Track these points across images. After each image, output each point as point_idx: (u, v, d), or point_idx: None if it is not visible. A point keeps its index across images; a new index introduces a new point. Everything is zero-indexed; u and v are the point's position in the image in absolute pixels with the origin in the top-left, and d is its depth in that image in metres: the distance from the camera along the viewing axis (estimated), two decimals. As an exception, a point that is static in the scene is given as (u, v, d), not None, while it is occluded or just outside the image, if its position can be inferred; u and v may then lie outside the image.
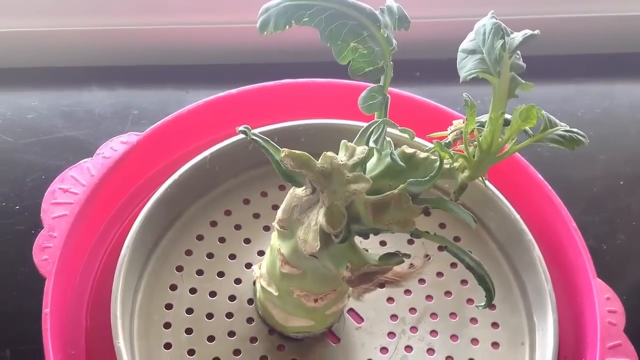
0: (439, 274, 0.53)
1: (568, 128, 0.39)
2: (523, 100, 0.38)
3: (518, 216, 0.52)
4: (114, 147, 0.54)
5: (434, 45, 0.68)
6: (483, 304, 0.39)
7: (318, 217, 0.38)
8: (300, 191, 0.40)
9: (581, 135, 0.38)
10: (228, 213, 0.55)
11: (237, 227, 0.54)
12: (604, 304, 0.49)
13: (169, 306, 0.50)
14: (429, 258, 0.54)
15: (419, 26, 0.72)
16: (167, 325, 0.49)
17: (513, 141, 0.38)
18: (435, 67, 0.67)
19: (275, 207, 0.52)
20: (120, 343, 0.44)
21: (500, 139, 0.37)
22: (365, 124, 0.41)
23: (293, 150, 0.38)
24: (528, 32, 0.39)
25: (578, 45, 0.76)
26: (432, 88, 0.71)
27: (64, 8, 0.70)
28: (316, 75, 0.60)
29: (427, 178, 0.37)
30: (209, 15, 0.72)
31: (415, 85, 0.71)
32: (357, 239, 0.53)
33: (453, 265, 0.53)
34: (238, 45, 0.73)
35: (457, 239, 0.55)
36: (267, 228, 0.54)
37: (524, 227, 0.52)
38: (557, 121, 0.39)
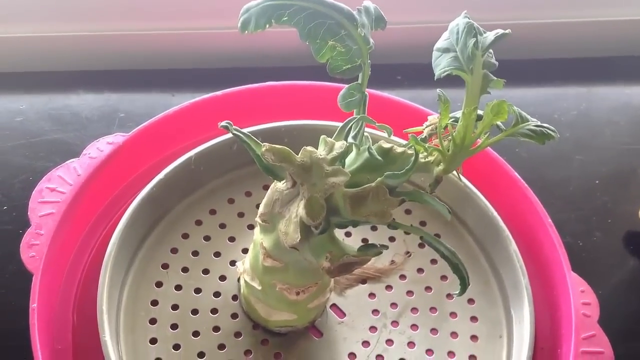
0: (420, 270, 0.55)
1: (539, 123, 0.40)
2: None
3: (495, 213, 0.54)
4: (101, 148, 0.55)
5: (414, 50, 0.69)
6: (458, 292, 0.40)
7: (298, 209, 0.39)
8: (281, 185, 0.42)
9: (551, 130, 0.40)
10: (213, 212, 0.56)
11: (222, 225, 0.55)
12: (579, 296, 0.50)
13: (154, 302, 0.51)
14: (410, 255, 0.55)
15: (399, 31, 0.74)
16: (153, 321, 0.50)
17: (485, 135, 0.39)
18: (415, 71, 0.69)
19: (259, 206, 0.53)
20: (107, 337, 0.45)
21: (473, 134, 0.39)
22: (345, 122, 0.42)
23: (274, 145, 0.39)
24: (500, 31, 0.40)
25: (555, 49, 0.78)
26: (413, 91, 0.73)
27: (52, 14, 0.71)
28: (298, 78, 0.61)
29: (403, 171, 0.38)
30: (194, 20, 0.73)
31: (396, 88, 0.73)
32: (340, 236, 0.54)
33: (433, 261, 0.55)
34: (223, 50, 0.74)
35: (436, 235, 0.56)
36: (251, 227, 0.55)
37: (501, 223, 0.53)
38: (529, 117, 0.40)
